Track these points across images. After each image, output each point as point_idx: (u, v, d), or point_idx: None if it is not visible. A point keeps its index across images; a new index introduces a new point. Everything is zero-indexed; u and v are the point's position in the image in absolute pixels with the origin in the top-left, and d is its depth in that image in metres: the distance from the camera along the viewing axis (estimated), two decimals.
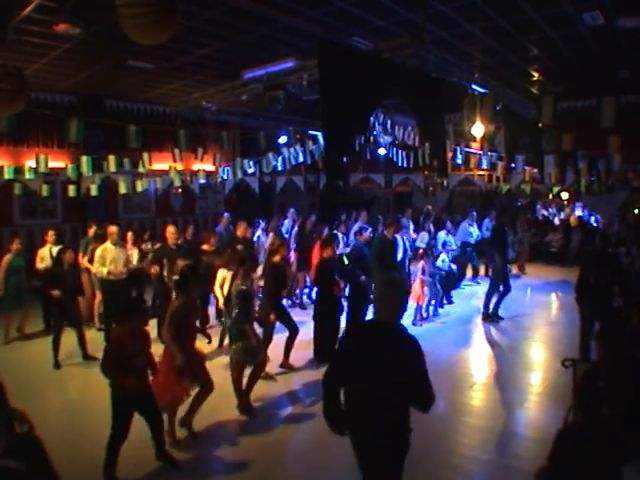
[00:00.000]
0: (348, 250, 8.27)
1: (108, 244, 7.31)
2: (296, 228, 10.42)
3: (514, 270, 11.60)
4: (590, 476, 2.14)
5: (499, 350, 7.09)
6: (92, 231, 8.70)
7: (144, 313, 4.16)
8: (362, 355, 2.72)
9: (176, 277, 6.56)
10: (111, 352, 3.90)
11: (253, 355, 5.04)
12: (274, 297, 6.13)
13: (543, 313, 9.04)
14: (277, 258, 6.21)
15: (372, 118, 8.97)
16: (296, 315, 6.83)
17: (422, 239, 10.15)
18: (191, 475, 4.15)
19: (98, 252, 7.26)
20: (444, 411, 5.10)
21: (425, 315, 8.55)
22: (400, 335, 2.77)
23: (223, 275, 6.55)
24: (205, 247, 8.15)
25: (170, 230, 7.51)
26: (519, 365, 6.43)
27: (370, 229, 8.44)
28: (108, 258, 7.20)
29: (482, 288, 10.70)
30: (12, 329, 7.73)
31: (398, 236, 8.09)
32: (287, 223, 11.00)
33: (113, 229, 7.38)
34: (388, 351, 2.68)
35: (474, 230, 10.84)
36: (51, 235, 8.13)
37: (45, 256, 7.90)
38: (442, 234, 9.87)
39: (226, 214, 10.74)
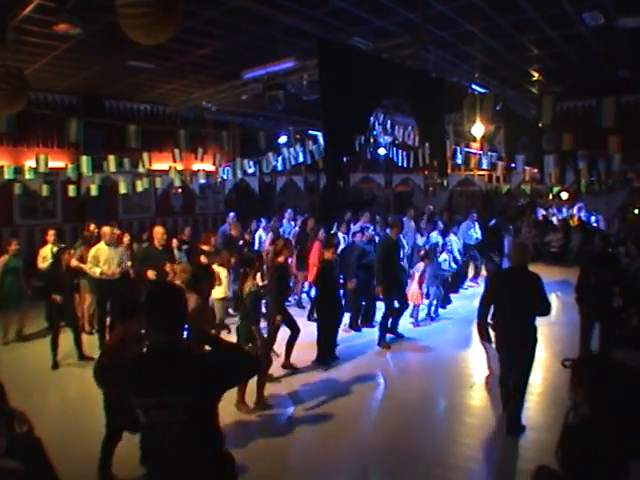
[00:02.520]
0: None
1: (102, 244, 7.28)
2: (297, 228, 10.44)
3: None
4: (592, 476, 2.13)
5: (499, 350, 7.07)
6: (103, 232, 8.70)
7: (141, 315, 4.03)
8: (508, 283, 4.68)
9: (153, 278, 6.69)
10: (107, 359, 3.78)
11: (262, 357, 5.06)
12: (280, 298, 6.14)
13: None
14: (281, 259, 6.19)
15: (372, 118, 8.97)
16: (294, 314, 6.83)
17: (430, 239, 10.01)
18: None
19: (92, 252, 7.24)
20: (444, 411, 5.11)
21: (433, 315, 8.60)
22: (527, 273, 4.63)
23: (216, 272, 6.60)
24: (204, 247, 8.11)
25: (158, 230, 7.28)
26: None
27: (371, 227, 8.48)
28: (102, 258, 7.18)
29: (482, 288, 10.73)
30: (11, 330, 7.70)
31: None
32: (285, 223, 11.01)
33: (106, 230, 7.36)
34: (522, 282, 4.53)
35: (474, 231, 10.82)
36: (51, 235, 8.13)
37: (47, 256, 7.88)
38: (434, 234, 9.79)
39: (232, 214, 10.66)
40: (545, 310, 4.48)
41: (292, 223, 11.12)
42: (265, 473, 4.13)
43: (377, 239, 8.28)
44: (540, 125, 8.48)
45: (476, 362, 6.78)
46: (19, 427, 3.20)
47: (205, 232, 10.08)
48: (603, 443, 2.08)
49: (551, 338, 7.48)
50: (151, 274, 6.85)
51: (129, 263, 7.69)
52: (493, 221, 11.16)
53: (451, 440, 4.56)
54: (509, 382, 4.55)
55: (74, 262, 7.37)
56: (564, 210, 15.52)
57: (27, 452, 3.06)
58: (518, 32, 8.03)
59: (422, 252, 8.50)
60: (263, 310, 5.99)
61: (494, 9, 7.02)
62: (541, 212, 15.44)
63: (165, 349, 2.25)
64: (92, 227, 8.79)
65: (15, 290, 7.64)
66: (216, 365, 2.24)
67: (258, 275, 5.83)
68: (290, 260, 9.30)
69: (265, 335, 5.31)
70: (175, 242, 8.66)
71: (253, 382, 5.19)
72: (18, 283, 7.70)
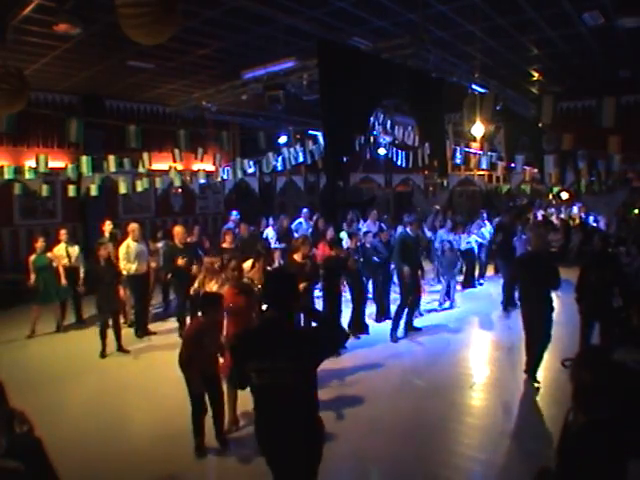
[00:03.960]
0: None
1: (129, 241, 7.55)
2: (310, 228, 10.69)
3: None
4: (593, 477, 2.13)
5: (499, 350, 7.08)
6: (108, 229, 8.87)
7: (220, 306, 4.37)
8: (530, 265, 5.75)
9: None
10: (189, 346, 4.15)
11: None
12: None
13: None
14: (298, 256, 6.35)
15: (372, 118, 8.98)
16: None
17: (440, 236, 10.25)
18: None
19: (122, 250, 7.48)
20: (444, 411, 5.10)
21: (450, 303, 9.25)
22: (543, 255, 5.81)
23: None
24: (224, 245, 8.46)
25: (178, 230, 7.78)
26: (519, 365, 6.41)
27: (386, 229, 8.88)
28: (132, 255, 7.46)
29: (483, 289, 10.73)
30: (37, 324, 7.94)
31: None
32: (304, 223, 11.19)
33: (134, 226, 7.70)
34: (540, 263, 5.60)
35: (486, 230, 10.83)
36: (64, 234, 8.35)
37: (62, 255, 8.12)
38: (441, 232, 9.91)
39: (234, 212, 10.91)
40: (557, 284, 5.59)
41: (310, 222, 11.34)
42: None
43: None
44: (540, 125, 8.49)
45: (476, 362, 6.78)
46: (19, 427, 3.21)
47: (224, 231, 10.21)
48: (603, 443, 2.08)
49: (556, 337, 7.47)
50: (181, 262, 7.34)
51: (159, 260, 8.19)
52: (497, 219, 11.19)
53: (451, 440, 4.56)
54: (533, 342, 5.76)
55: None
56: (563, 210, 15.51)
57: (27, 452, 3.06)
58: (518, 32, 8.03)
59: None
60: None
61: (494, 9, 7.02)
62: (541, 212, 15.43)
63: (277, 323, 2.69)
64: (108, 225, 8.90)
65: (50, 287, 7.85)
66: (316, 337, 2.75)
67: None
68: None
69: None
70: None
71: None
72: (52, 278, 7.89)
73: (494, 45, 8.58)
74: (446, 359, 6.68)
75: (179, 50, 8.38)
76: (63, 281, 8.01)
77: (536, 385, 5.68)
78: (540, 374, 6.15)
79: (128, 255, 7.47)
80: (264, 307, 4.64)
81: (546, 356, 6.64)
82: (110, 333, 6.97)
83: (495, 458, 4.28)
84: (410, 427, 4.11)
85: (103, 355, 6.83)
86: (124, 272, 7.43)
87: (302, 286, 6.23)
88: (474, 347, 7.33)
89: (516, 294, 8.51)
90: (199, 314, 4.48)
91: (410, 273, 7.39)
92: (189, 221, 13.64)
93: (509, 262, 9.01)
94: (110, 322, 6.99)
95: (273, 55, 7.60)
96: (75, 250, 8.39)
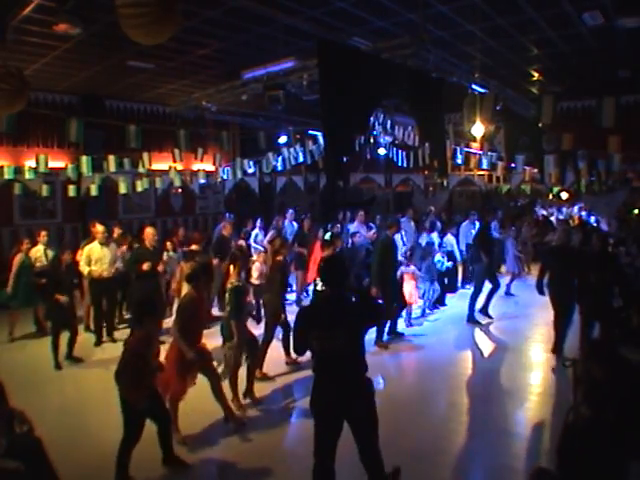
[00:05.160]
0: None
1: (95, 244, 7.33)
2: (296, 227, 10.51)
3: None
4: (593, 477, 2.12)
5: (499, 350, 7.08)
6: (117, 232, 8.68)
7: (158, 313, 4.13)
8: (557, 256, 6.51)
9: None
10: (132, 362, 3.72)
11: (247, 352, 5.10)
12: (281, 295, 6.24)
13: (543, 313, 9.00)
14: (279, 257, 6.28)
15: (372, 118, 8.97)
16: (292, 313, 6.87)
17: (431, 239, 9.98)
18: (196, 476, 4.15)
19: (85, 251, 7.29)
20: (444, 411, 5.10)
21: (428, 311, 8.77)
22: (569, 249, 6.59)
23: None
24: (193, 247, 8.21)
25: (149, 231, 7.25)
26: (519, 365, 6.43)
27: (374, 228, 8.60)
28: (93, 257, 7.24)
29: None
30: (16, 328, 7.75)
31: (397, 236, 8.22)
32: (287, 224, 11.04)
33: (99, 228, 7.43)
34: (566, 255, 6.35)
35: (475, 231, 10.77)
36: (43, 236, 8.05)
37: (40, 257, 7.86)
38: (434, 235, 9.78)
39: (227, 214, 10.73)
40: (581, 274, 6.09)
41: (294, 224, 11.18)
42: (266, 469, 4.13)
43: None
44: (540, 125, 8.46)
45: (476, 362, 6.78)
46: (19, 427, 3.21)
47: (193, 232, 10.14)
48: (603, 444, 2.07)
49: (551, 338, 7.47)
50: (147, 266, 6.81)
51: (120, 264, 7.69)
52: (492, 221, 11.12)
53: (449, 440, 4.56)
54: (559, 324, 6.30)
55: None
56: (563, 210, 15.51)
57: (27, 452, 3.06)
58: (518, 32, 8.04)
59: (408, 252, 8.30)
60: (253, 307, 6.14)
61: (494, 9, 7.03)
62: (541, 212, 15.44)
63: (333, 298, 3.29)
64: (97, 226, 8.79)
65: (28, 288, 7.66)
66: (362, 310, 3.36)
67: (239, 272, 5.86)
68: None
69: (247, 332, 5.28)
70: (169, 244, 8.78)
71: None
72: (30, 281, 7.70)
73: (494, 45, 8.58)
74: (446, 359, 6.67)
75: (179, 50, 8.38)
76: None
77: (567, 364, 5.49)
78: (540, 374, 6.17)
79: (87, 257, 7.18)
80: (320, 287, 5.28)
81: (546, 356, 6.68)
82: (63, 342, 6.61)
83: (495, 458, 4.28)
84: (409, 427, 4.11)
85: (58, 367, 6.44)
86: (84, 275, 7.23)
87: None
88: (474, 347, 7.33)
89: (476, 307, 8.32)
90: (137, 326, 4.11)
91: (382, 287, 6.90)
92: (189, 221, 13.67)
93: (481, 267, 8.32)
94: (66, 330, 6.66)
95: (273, 55, 7.60)
96: (52, 254, 7.89)
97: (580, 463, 2.14)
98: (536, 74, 10.63)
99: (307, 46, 7.49)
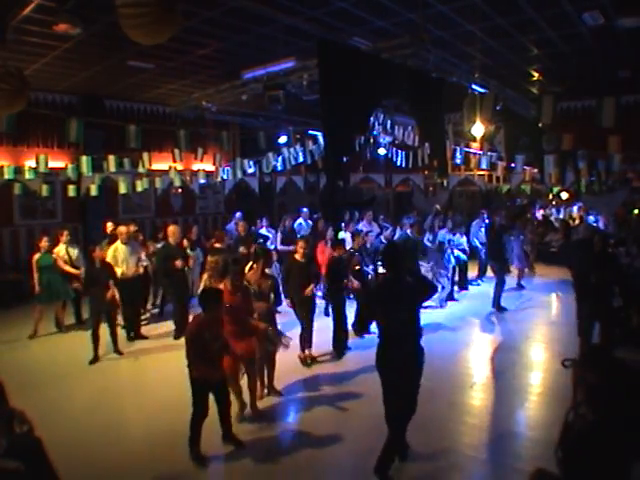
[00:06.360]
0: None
1: (119, 244, 7.47)
2: (309, 225, 10.86)
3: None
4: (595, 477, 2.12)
5: (499, 350, 7.08)
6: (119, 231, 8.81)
7: (221, 301, 4.39)
8: (580, 249, 6.47)
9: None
10: (192, 342, 4.17)
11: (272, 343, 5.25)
12: (300, 291, 6.40)
13: (543, 313, 9.03)
14: (299, 255, 6.46)
15: (372, 118, 8.98)
16: None
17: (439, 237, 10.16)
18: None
19: (110, 253, 7.39)
20: (444, 411, 5.10)
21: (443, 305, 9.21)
22: (591, 242, 6.08)
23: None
24: (217, 245, 8.53)
25: (173, 229, 7.76)
26: (519, 365, 6.42)
27: (389, 228, 8.78)
28: (119, 258, 7.40)
29: (484, 289, 10.71)
30: (41, 325, 7.91)
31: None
32: (303, 222, 11.20)
33: (122, 229, 7.66)
34: (589, 248, 6.03)
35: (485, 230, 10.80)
36: (65, 235, 8.27)
37: (63, 255, 8.07)
38: (442, 232, 9.86)
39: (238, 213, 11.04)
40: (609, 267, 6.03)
41: (309, 222, 11.38)
42: (264, 466, 4.14)
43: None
44: (540, 125, 8.47)
45: (476, 362, 6.78)
46: (19, 427, 3.21)
47: (216, 231, 10.47)
48: (604, 444, 2.07)
49: (551, 338, 7.49)
50: (179, 264, 7.49)
51: (145, 262, 8.07)
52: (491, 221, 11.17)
53: (451, 440, 4.56)
54: (584, 317, 6.02)
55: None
56: (562, 210, 15.51)
57: (27, 452, 3.06)
58: (518, 32, 8.03)
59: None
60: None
61: (494, 9, 7.03)
62: (541, 212, 15.43)
63: (394, 280, 3.97)
64: (109, 225, 8.92)
65: (54, 286, 7.82)
66: (416, 288, 4.05)
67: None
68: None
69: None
70: (185, 242, 9.00)
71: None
72: (56, 278, 7.85)
73: (494, 45, 8.58)
74: (446, 359, 6.67)
75: (179, 50, 8.38)
76: (76, 284, 7.96)
77: (567, 364, 5.58)
78: (540, 374, 6.17)
79: (114, 258, 7.33)
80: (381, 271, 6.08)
81: (546, 356, 6.68)
82: (103, 335, 6.84)
83: (495, 458, 4.28)
84: (411, 427, 4.10)
85: (93, 360, 6.65)
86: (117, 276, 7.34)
87: (308, 290, 6.34)
88: (474, 347, 7.33)
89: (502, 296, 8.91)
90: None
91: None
92: (189, 221, 13.66)
93: (500, 263, 9.08)
94: (105, 323, 6.91)
95: (273, 55, 7.60)
96: (75, 251, 8.32)
97: (580, 463, 2.14)
98: (536, 74, 10.62)
99: (307, 46, 7.49)
